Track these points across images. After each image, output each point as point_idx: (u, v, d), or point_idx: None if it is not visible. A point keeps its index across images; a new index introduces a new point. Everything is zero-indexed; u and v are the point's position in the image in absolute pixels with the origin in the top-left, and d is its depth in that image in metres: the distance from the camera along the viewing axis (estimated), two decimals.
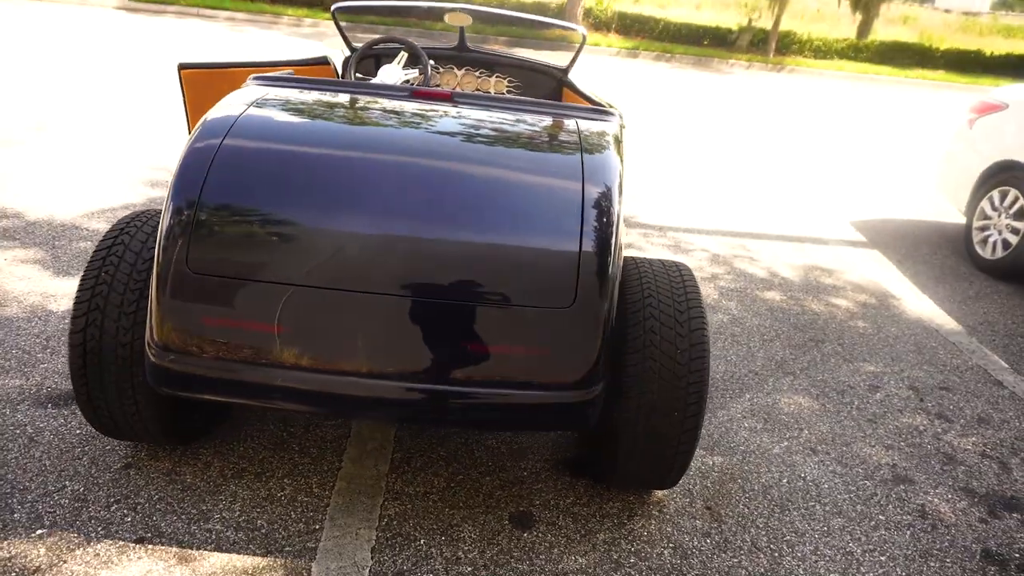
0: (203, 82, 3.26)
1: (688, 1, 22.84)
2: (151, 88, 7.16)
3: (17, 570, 1.80)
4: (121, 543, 1.91)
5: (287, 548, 1.96)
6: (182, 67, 3.32)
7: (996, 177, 4.85)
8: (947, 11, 30.14)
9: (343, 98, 2.27)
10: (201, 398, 1.86)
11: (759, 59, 15.66)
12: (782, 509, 2.36)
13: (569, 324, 1.75)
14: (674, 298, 2.02)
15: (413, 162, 1.90)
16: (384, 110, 2.20)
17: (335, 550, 1.97)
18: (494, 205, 1.83)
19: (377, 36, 4.22)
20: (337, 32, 3.75)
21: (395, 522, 2.10)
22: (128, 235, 1.99)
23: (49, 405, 2.42)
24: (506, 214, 1.82)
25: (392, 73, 3.32)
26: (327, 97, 2.25)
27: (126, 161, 5.04)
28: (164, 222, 1.76)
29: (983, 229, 4.90)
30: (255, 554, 1.93)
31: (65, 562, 1.84)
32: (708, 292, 4.02)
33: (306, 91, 2.26)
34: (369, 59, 3.78)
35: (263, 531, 2.01)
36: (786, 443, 2.72)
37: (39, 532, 1.92)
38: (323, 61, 3.47)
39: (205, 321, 1.74)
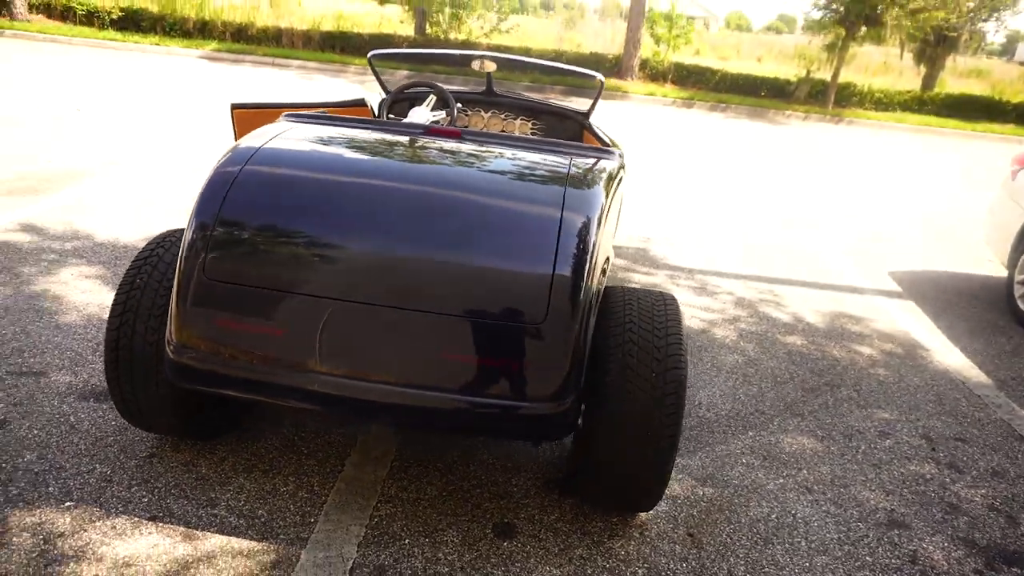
0: (251, 120, 3.60)
1: (750, 54, 22.99)
2: (217, 128, 7.73)
3: (45, 533, 2.06)
4: (136, 519, 2.14)
5: (281, 536, 2.14)
6: (234, 107, 3.68)
7: None
8: (1023, 64, 29.13)
9: (360, 134, 2.52)
10: (211, 392, 2.07)
11: (817, 110, 15.50)
12: (765, 542, 2.38)
13: (541, 339, 1.90)
14: (654, 324, 2.14)
15: (412, 189, 2.11)
16: (395, 144, 2.43)
17: (325, 541, 2.13)
18: (480, 229, 2.01)
19: (409, 80, 4.52)
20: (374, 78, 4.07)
21: (384, 522, 2.24)
22: (163, 248, 2.27)
23: (91, 399, 2.70)
24: (490, 237, 2.00)
25: (421, 115, 3.56)
26: (346, 132, 2.50)
27: (186, 192, 5.48)
28: (187, 235, 2.01)
29: None
30: (252, 539, 2.11)
31: (85, 531, 2.08)
32: (727, 333, 4.03)
33: (328, 127, 2.51)
34: (403, 102, 4.07)
35: (262, 520, 2.19)
36: (782, 480, 2.73)
37: (67, 504, 2.17)
38: (360, 103, 3.77)
39: (217, 323, 1.97)
